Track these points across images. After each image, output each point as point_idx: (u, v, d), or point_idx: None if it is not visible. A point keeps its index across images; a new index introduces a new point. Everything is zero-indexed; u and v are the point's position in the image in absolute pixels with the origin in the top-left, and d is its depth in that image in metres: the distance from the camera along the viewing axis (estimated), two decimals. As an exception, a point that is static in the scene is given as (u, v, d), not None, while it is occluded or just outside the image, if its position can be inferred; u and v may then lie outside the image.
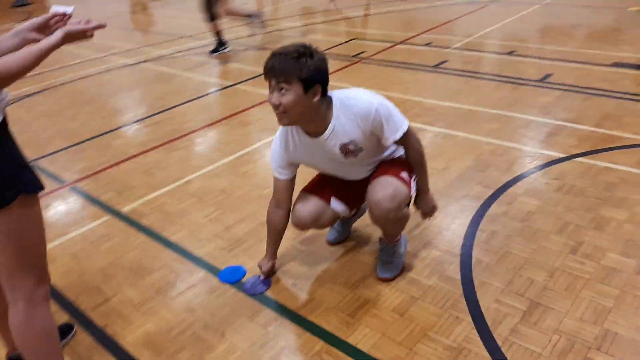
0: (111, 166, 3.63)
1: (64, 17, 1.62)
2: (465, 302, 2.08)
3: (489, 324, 1.96)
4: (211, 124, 4.22)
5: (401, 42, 5.99)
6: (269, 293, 2.25)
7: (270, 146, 2.23)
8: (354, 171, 2.18)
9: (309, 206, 2.22)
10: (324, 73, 1.86)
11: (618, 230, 2.40)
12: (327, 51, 5.97)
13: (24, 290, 1.52)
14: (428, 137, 3.54)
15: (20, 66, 1.36)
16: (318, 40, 6.55)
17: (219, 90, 5.05)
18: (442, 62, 5.10)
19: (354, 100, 1.94)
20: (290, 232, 2.61)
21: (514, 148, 3.28)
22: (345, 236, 2.57)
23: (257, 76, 5.34)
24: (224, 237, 2.68)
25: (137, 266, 2.52)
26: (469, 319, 2.00)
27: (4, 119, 1.41)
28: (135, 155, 3.78)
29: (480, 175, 3.00)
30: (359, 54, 5.72)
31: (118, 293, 2.35)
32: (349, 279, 2.28)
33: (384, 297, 2.15)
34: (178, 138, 4.00)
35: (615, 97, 3.88)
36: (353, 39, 6.38)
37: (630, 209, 2.54)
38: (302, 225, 2.24)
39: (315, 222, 2.24)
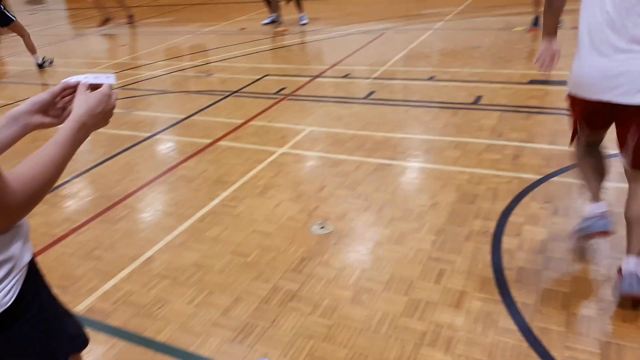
0: (38, 253, 2.94)
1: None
2: (536, 355, 1.91)
3: (575, 377, 1.81)
4: (146, 184, 3.66)
5: (318, 76, 5.87)
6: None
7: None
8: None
9: None
10: None
11: None
12: (242, 90, 5.65)
13: None
14: (400, 172, 3.39)
15: (46, 178, 0.93)
16: (226, 78, 6.19)
17: (138, 143, 4.46)
18: (370, 93, 5.04)
19: None
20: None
21: (487, 174, 3.25)
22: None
23: (176, 123, 4.83)
24: (226, 326, 2.23)
25: (130, 385, 1.98)
26: (552, 375, 1.83)
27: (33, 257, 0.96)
28: (64, 237, 3.11)
29: (472, 207, 2.90)
30: (279, 90, 5.47)
31: None
32: None
33: None
34: (112, 206, 3.40)
35: (550, 113, 4.09)
36: (265, 76, 6.12)
37: None
38: None
39: None
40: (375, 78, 5.52)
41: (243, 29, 9.34)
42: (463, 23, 7.78)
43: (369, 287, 2.37)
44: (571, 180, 3.06)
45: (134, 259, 2.79)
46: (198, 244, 2.87)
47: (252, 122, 4.64)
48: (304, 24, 9.03)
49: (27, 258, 0.95)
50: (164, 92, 5.94)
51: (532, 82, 4.82)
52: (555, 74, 5.00)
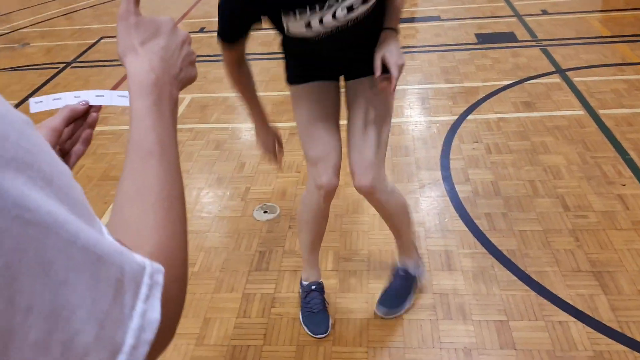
0: None
1: (86, 114, 0.69)
2: (549, 303, 1.91)
3: (590, 314, 1.85)
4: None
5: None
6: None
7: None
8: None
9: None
10: None
11: (572, 173, 2.57)
12: (79, 59, 4.68)
13: None
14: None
15: (176, 213, 0.50)
16: (51, 47, 5.08)
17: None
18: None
19: None
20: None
21: (404, 122, 3.17)
22: None
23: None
24: (210, 357, 1.82)
25: None
26: (572, 319, 1.84)
27: None
28: None
29: (410, 160, 2.80)
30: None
31: None
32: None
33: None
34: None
35: (432, 51, 4.14)
36: (101, 39, 5.16)
37: (558, 150, 2.74)
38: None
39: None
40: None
41: (42, -17, 7.76)
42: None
43: (351, 268, 2.14)
44: (482, 116, 3.14)
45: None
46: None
47: (113, 98, 3.88)
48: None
49: None
50: (-30, 72, 4.64)
51: (398, 21, 4.84)
52: (420, 9, 5.09)
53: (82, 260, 0.31)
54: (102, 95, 0.73)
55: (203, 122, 3.39)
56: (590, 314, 1.85)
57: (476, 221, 2.34)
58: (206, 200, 2.63)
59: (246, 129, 3.26)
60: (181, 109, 3.57)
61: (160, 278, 0.38)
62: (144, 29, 0.59)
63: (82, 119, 0.70)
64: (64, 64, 4.59)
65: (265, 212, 2.50)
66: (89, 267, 0.31)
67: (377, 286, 2.04)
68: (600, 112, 3.05)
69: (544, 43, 4.03)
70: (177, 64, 0.60)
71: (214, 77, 4.04)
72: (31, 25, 5.86)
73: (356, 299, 2.01)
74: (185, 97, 3.73)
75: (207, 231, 2.42)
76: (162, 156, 0.51)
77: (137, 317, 0.33)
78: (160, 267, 0.38)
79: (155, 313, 0.35)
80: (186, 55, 0.62)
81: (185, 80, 0.62)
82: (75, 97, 0.72)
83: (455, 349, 1.77)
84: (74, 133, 0.71)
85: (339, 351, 1.81)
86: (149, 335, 0.34)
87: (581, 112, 3.07)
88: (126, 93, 0.72)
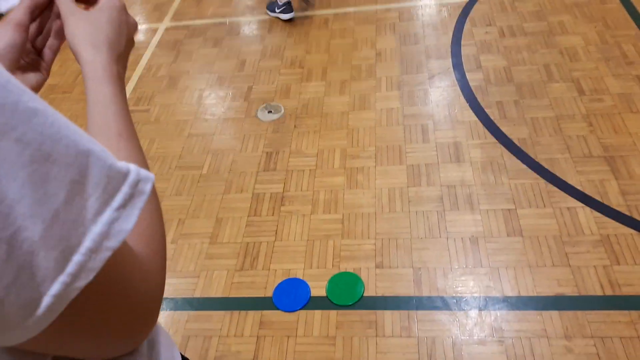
0: None
1: (52, 3, 0.63)
2: (558, 190, 1.91)
3: (599, 199, 1.85)
4: None
5: None
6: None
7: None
8: None
9: None
10: None
11: (589, 54, 2.43)
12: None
13: None
14: (321, 23, 2.96)
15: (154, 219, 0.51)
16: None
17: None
18: None
19: None
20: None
21: (413, 7, 2.98)
22: None
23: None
24: (224, 255, 1.88)
25: None
26: (580, 204, 1.84)
27: None
28: None
29: (419, 48, 2.67)
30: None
31: None
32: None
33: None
34: None
35: None
36: None
37: (576, 30, 2.58)
38: None
39: None
40: None
41: None
42: None
43: (358, 165, 2.13)
44: (500, -4, 2.93)
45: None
46: (128, 168, 2.32)
47: (104, -4, 3.67)
48: None
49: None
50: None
51: None
52: None
53: (19, 154, 0.28)
54: None
55: (199, 17, 3.22)
56: (599, 199, 1.84)
57: (487, 110, 2.27)
58: (209, 102, 2.58)
59: (245, 23, 3.10)
60: (175, 4, 3.38)
61: (146, 187, 0.35)
62: (97, 25, 0.57)
63: (48, 10, 0.64)
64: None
65: (270, 112, 2.45)
66: (29, 164, 0.28)
67: (385, 181, 2.04)
68: (625, -16, 2.81)
69: None
70: (126, 53, 0.60)
71: (208, -33, 3.77)
72: None
73: (364, 194, 2.02)
74: (179, -8, 3.52)
75: (213, 133, 2.39)
76: (130, 137, 0.53)
77: (102, 223, 0.32)
78: (149, 176, 0.36)
79: (126, 224, 0.33)
80: (129, 41, 0.61)
81: (126, 61, 0.62)
82: None
83: (462, 238, 1.80)
84: (44, 26, 0.65)
85: (348, 243, 1.85)
86: (113, 243, 0.32)
87: (604, -15, 2.84)
88: None
